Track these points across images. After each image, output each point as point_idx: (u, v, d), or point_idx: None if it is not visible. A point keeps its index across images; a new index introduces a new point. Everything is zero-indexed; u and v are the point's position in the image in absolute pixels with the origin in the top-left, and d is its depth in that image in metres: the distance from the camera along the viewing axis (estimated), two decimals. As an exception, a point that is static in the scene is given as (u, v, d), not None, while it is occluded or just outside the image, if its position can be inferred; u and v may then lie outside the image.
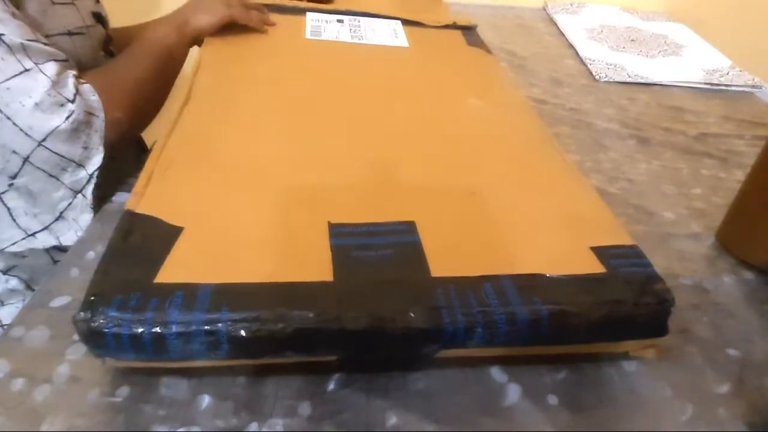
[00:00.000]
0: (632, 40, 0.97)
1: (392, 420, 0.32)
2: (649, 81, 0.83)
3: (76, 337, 0.35)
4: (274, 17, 0.70)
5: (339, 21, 0.72)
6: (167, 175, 0.40)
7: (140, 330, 0.30)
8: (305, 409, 0.32)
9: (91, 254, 0.42)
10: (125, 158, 0.65)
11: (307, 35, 0.67)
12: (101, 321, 0.30)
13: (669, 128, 0.70)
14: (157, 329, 0.30)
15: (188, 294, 0.31)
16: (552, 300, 0.33)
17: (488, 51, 0.71)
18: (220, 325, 0.30)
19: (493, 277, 0.35)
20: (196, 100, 0.50)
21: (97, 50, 0.59)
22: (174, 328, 0.30)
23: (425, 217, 0.39)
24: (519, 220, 0.40)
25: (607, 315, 0.34)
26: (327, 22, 0.71)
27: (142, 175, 0.40)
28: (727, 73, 0.87)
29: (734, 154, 0.66)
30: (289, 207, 0.39)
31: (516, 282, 0.34)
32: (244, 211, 0.38)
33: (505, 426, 0.33)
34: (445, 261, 0.35)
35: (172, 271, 0.33)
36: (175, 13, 0.62)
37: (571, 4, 1.12)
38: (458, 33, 0.75)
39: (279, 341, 0.31)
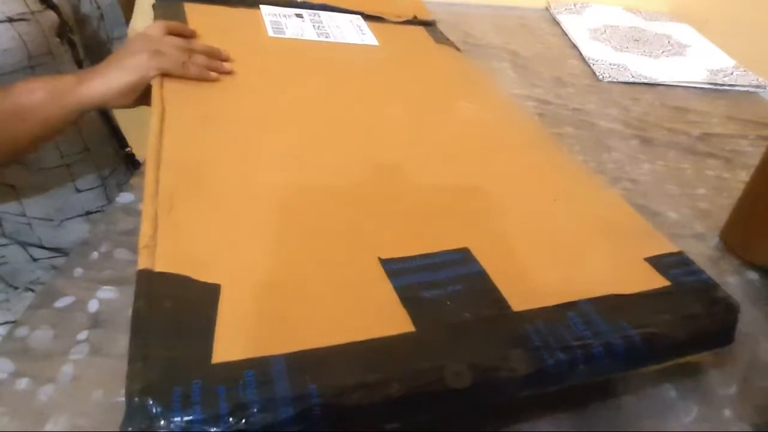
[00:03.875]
0: (636, 40, 0.97)
1: (395, 420, 0.32)
2: (652, 81, 0.82)
3: (79, 337, 0.35)
4: (225, 11, 0.64)
5: (298, 16, 0.67)
6: (174, 218, 0.34)
7: (216, 431, 0.23)
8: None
9: (94, 254, 0.42)
10: (103, 153, 0.62)
11: (270, 33, 0.62)
12: (165, 429, 0.22)
13: (673, 128, 0.70)
14: (241, 424, 0.23)
15: (260, 372, 0.25)
16: (639, 323, 0.31)
17: (456, 48, 0.70)
18: (314, 405, 0.24)
19: (571, 305, 0.32)
20: (171, 116, 0.44)
21: (49, 37, 0.54)
22: (259, 419, 0.24)
23: (474, 241, 0.35)
24: (561, 235, 0.38)
25: (690, 330, 0.33)
26: (286, 17, 0.66)
27: (145, 222, 0.33)
28: (731, 73, 0.87)
29: (738, 154, 0.66)
30: (322, 240, 0.34)
31: (596, 307, 0.32)
32: (275, 252, 0.33)
33: (507, 426, 0.33)
34: (517, 291, 0.32)
35: (229, 345, 0.26)
36: (85, 71, 0.50)
37: (574, 5, 1.11)
38: (422, 29, 0.73)
39: (378, 412, 0.26)
